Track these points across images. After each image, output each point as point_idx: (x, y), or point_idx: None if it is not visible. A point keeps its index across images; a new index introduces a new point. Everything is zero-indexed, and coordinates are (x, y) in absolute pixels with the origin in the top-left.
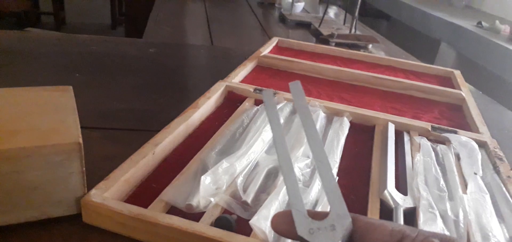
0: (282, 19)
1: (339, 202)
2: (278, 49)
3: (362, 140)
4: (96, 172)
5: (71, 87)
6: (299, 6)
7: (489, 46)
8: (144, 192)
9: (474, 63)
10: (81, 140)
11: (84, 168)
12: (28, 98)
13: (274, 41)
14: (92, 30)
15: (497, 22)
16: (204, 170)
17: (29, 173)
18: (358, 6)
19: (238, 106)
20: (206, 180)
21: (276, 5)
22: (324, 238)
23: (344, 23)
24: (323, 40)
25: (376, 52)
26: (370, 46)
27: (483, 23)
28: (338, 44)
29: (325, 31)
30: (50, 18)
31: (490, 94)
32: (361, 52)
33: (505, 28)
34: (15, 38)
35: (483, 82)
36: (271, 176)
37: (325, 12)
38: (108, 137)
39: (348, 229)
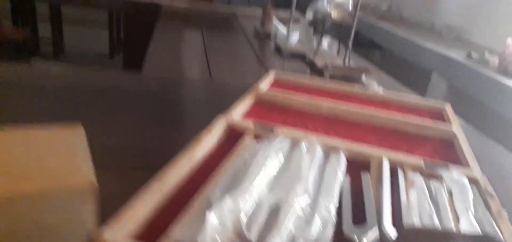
0: (278, 50)
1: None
2: (275, 83)
3: (358, 176)
4: (103, 211)
5: (81, 126)
6: (295, 37)
7: (479, 77)
8: (152, 230)
9: (465, 94)
10: (96, 182)
11: (97, 209)
12: (41, 139)
13: (271, 75)
14: (91, 58)
15: (486, 53)
16: (208, 207)
17: (45, 214)
18: (352, 38)
19: (239, 141)
20: (211, 217)
21: (271, 36)
22: None
23: (337, 54)
24: (318, 71)
25: (369, 82)
26: (363, 76)
27: (472, 54)
28: (332, 75)
29: (319, 62)
30: (49, 46)
31: (481, 125)
32: (355, 88)
33: (494, 60)
34: (18, 71)
35: (474, 113)
36: (273, 213)
37: (319, 44)
38: (114, 175)
39: None
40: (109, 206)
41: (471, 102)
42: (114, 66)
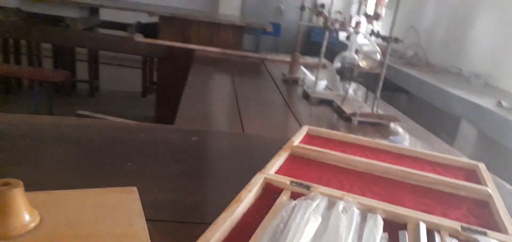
0: (306, 96)
1: None
2: (308, 137)
3: (395, 234)
4: None
5: (135, 189)
6: (322, 83)
7: (511, 126)
8: None
9: (496, 141)
10: None
11: None
12: (99, 201)
13: (304, 129)
14: (123, 97)
15: None
16: None
17: None
18: (380, 87)
19: (276, 198)
20: None
21: (299, 82)
22: None
23: (365, 101)
24: (346, 117)
25: (396, 129)
26: (391, 124)
27: (502, 102)
28: (360, 122)
29: (347, 109)
30: (85, 85)
31: None
32: (388, 143)
33: None
34: (70, 125)
35: (506, 161)
36: None
37: (347, 91)
38: (159, 230)
39: None
40: None
41: (503, 151)
42: (146, 104)
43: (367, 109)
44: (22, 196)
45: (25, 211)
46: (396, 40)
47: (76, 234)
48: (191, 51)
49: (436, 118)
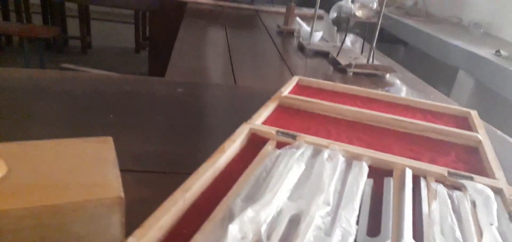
0: (301, 48)
1: None
2: (298, 87)
3: (380, 185)
4: (130, 217)
5: (111, 138)
6: (318, 35)
7: (508, 75)
8: (176, 238)
9: (493, 91)
10: (123, 195)
11: (123, 219)
12: (72, 151)
13: (294, 80)
14: (116, 54)
15: None
16: (230, 217)
17: (75, 225)
18: (376, 37)
19: (261, 148)
20: (233, 229)
21: (295, 34)
22: None
23: (361, 52)
24: (341, 69)
25: (392, 80)
26: (387, 75)
27: (501, 51)
28: (355, 73)
29: (343, 61)
30: (77, 42)
31: (510, 124)
32: (379, 91)
33: None
34: (51, 77)
35: (502, 111)
36: (294, 223)
37: (343, 42)
38: (141, 180)
39: None
40: (136, 211)
41: (499, 100)
42: (140, 60)
43: (363, 60)
44: None
45: None
46: None
47: (45, 184)
48: (184, 3)
49: (434, 69)
